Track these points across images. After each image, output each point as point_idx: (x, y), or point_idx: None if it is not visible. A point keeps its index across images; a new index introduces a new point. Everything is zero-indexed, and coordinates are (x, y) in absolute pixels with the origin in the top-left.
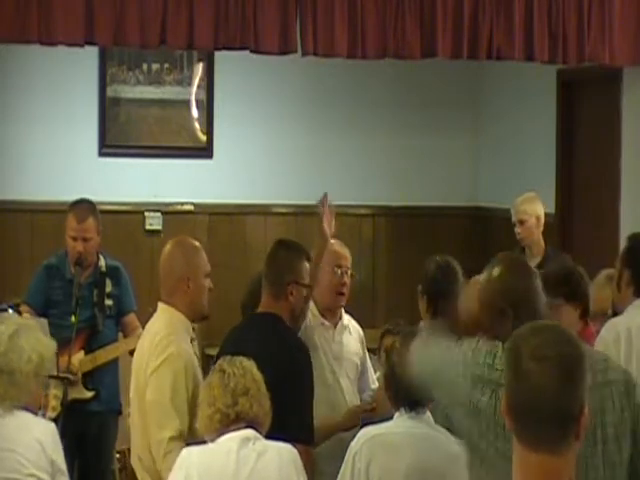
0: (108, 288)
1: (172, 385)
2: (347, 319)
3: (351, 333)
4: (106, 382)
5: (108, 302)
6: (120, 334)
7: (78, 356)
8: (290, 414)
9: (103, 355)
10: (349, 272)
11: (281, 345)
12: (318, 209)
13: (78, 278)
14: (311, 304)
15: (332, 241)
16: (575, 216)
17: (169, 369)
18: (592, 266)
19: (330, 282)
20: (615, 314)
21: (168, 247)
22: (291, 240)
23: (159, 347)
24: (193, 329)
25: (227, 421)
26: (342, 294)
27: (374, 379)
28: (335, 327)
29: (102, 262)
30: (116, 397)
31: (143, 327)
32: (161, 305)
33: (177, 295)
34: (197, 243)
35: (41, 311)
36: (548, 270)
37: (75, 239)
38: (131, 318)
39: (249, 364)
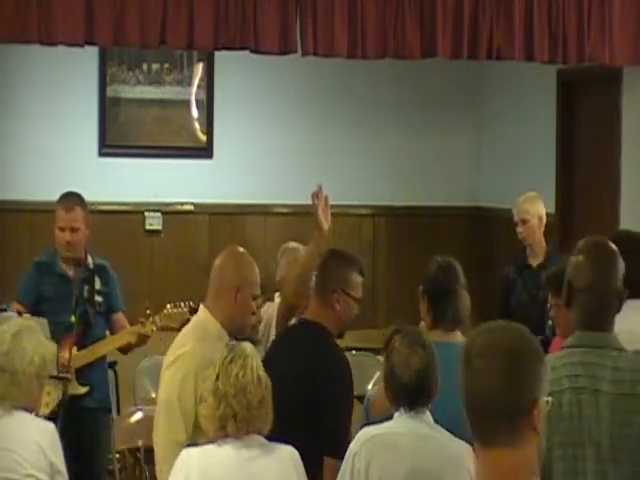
0: (97, 285)
1: (180, 384)
2: None
3: None
4: (97, 378)
5: (98, 299)
6: (107, 332)
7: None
8: (323, 428)
9: (94, 351)
10: None
11: (318, 357)
12: (313, 201)
13: (76, 277)
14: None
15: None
16: (575, 216)
17: (180, 368)
18: None
19: None
20: None
21: (221, 257)
22: (344, 251)
23: (175, 345)
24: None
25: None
26: None
27: None
28: None
29: (90, 260)
30: (107, 395)
31: (131, 325)
32: (202, 306)
33: (221, 302)
34: (250, 257)
35: (32, 308)
36: (550, 270)
37: (63, 229)
38: (120, 317)
39: (240, 384)
